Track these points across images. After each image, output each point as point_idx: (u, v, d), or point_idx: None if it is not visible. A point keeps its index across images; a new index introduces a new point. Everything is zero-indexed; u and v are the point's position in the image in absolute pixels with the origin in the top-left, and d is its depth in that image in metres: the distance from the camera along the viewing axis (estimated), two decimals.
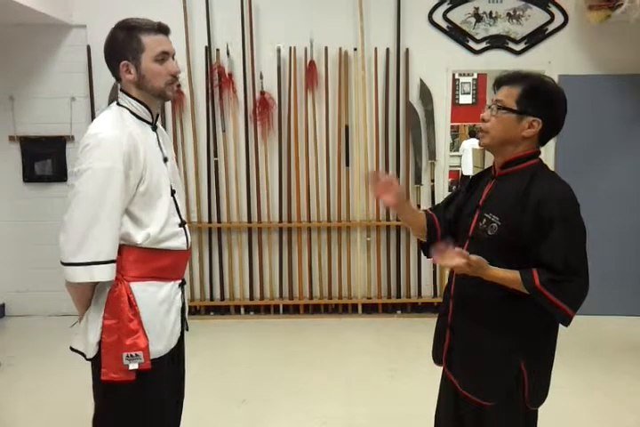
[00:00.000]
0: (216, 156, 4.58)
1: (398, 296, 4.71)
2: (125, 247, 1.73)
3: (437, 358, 1.94)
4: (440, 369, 1.96)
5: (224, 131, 4.58)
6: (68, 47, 4.50)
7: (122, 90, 1.81)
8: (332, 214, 4.65)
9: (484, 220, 1.74)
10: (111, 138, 1.66)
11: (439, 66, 4.52)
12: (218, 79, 4.49)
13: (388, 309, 4.72)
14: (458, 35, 4.52)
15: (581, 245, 1.66)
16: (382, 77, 4.54)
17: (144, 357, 1.71)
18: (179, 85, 1.85)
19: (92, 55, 4.43)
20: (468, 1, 4.48)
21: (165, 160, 1.86)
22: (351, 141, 4.55)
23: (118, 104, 1.80)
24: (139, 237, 1.73)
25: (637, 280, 4.60)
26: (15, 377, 3.57)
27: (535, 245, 1.63)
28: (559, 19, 4.49)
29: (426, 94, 4.54)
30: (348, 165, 4.57)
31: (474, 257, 1.61)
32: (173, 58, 1.80)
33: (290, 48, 4.46)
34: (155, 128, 1.86)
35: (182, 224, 1.88)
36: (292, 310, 4.71)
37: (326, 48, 4.45)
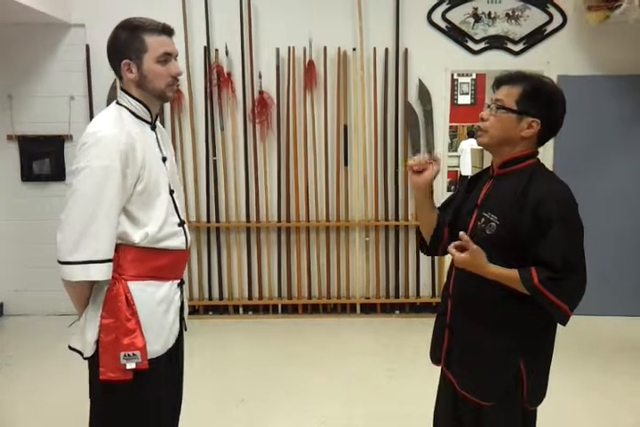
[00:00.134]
0: (215, 155, 4.58)
1: (397, 296, 4.71)
2: (123, 246, 1.73)
3: (435, 358, 1.94)
4: (439, 369, 1.96)
5: (223, 130, 4.57)
6: (67, 46, 4.50)
7: (122, 89, 1.81)
8: (331, 214, 4.65)
9: (483, 219, 1.74)
10: (109, 136, 1.66)
11: (438, 66, 4.52)
12: (216, 79, 4.49)
13: (387, 309, 4.72)
14: (457, 35, 4.52)
15: (580, 244, 1.67)
16: (381, 77, 4.54)
17: (141, 356, 1.71)
18: (177, 85, 1.85)
19: (90, 54, 4.43)
20: (466, 1, 4.48)
21: (164, 160, 1.86)
22: (350, 141, 4.55)
23: (118, 103, 1.80)
24: (136, 236, 1.73)
25: (635, 280, 4.60)
26: (13, 377, 3.56)
27: (534, 244, 1.64)
28: (558, 19, 4.49)
29: (424, 94, 4.54)
30: (346, 164, 4.57)
31: (473, 246, 1.65)
32: (176, 59, 1.80)
33: (289, 48, 4.46)
34: (154, 127, 1.86)
35: (181, 224, 1.88)
36: (290, 309, 4.71)
37: (325, 48, 4.45)
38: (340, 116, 4.54)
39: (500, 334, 1.72)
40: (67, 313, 4.27)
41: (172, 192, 1.85)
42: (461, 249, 1.67)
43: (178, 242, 1.84)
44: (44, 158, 4.57)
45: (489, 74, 5.85)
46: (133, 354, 1.70)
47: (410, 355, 3.82)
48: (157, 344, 1.78)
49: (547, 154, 4.42)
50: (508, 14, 4.50)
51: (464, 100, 10.26)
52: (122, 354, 1.69)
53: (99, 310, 1.72)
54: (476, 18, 4.50)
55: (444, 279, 1.94)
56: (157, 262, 1.79)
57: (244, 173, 4.59)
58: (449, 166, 5.56)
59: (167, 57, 1.75)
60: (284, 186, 4.59)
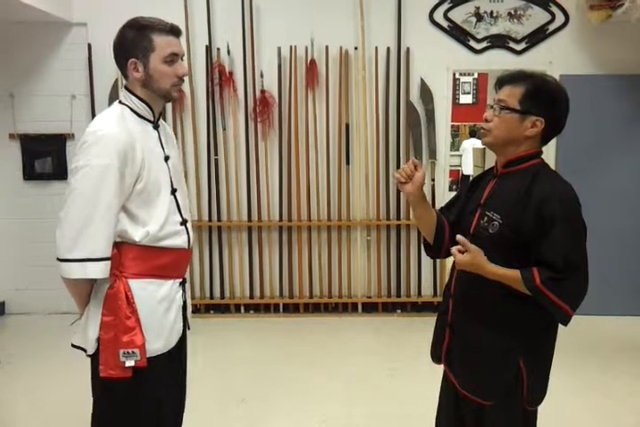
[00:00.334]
0: (216, 154, 4.58)
1: (398, 295, 4.71)
2: (124, 245, 1.73)
3: (436, 356, 1.94)
4: (440, 369, 1.96)
5: (224, 129, 4.58)
6: (69, 45, 4.50)
7: (126, 87, 1.80)
8: (333, 213, 4.65)
9: (486, 218, 1.74)
10: (110, 135, 1.66)
11: (440, 65, 4.52)
12: (218, 78, 4.49)
13: (388, 308, 4.72)
14: (458, 34, 4.51)
15: (582, 244, 1.66)
16: (383, 76, 4.54)
17: (140, 354, 1.71)
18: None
19: (92, 53, 4.43)
20: (468, 0, 4.47)
21: (167, 159, 1.85)
22: (351, 140, 4.55)
23: (120, 102, 1.80)
24: (137, 234, 1.73)
25: (635, 280, 4.60)
26: (15, 375, 3.57)
27: (536, 244, 1.63)
28: (560, 18, 4.49)
29: (426, 94, 4.54)
30: (348, 163, 4.57)
31: (471, 246, 1.65)
32: (182, 60, 1.80)
33: (290, 47, 4.46)
34: (156, 127, 1.86)
35: (184, 223, 1.87)
36: (291, 308, 4.71)
37: (327, 47, 4.45)
38: (342, 115, 4.53)
39: (501, 333, 1.72)
40: (68, 312, 4.29)
41: (174, 191, 1.85)
42: (463, 252, 1.68)
43: (180, 241, 1.84)
44: (46, 157, 4.57)
45: (491, 73, 5.83)
46: (132, 352, 1.70)
47: (411, 354, 3.82)
48: (158, 343, 1.78)
49: (549, 153, 4.41)
50: (510, 13, 4.49)
51: (466, 99, 10.28)
52: (121, 352, 1.70)
53: (100, 307, 1.72)
54: (478, 17, 4.50)
55: (446, 278, 1.95)
56: (159, 261, 1.79)
57: (246, 172, 4.59)
58: (451, 166, 5.54)
59: (174, 57, 1.75)
60: (285, 185, 4.59)
